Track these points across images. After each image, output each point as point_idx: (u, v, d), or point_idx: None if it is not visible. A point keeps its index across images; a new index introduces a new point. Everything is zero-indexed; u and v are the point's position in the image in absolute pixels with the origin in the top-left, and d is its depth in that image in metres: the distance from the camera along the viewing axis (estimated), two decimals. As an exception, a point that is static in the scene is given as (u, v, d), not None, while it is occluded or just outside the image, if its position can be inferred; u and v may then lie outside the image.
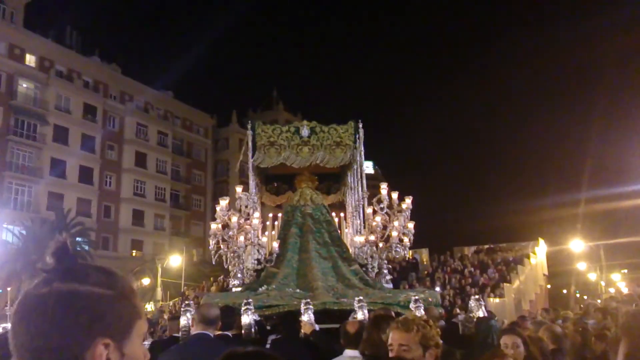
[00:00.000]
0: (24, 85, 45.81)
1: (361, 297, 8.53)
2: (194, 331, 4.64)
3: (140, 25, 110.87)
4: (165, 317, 22.77)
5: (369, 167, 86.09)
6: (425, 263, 28.14)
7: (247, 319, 7.42)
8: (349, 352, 4.36)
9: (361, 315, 7.79)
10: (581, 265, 42.66)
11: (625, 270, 47.33)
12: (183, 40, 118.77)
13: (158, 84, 56.93)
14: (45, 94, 46.63)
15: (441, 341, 3.01)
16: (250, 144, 12.75)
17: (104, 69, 53.34)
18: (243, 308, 7.59)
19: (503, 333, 4.40)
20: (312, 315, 7.71)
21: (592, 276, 45.62)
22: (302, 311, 7.83)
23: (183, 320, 7.11)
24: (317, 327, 7.33)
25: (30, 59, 46.73)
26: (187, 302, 8.89)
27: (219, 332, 5.17)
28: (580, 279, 44.67)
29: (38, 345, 1.04)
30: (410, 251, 30.07)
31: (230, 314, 5.63)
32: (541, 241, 30.66)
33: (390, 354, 2.79)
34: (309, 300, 8.39)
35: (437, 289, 21.02)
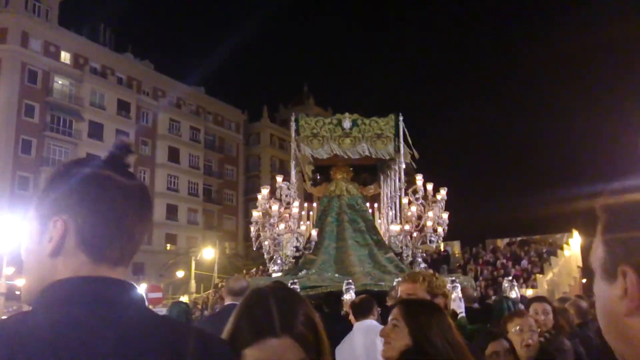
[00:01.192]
0: (60, 82, 46.71)
1: (400, 279, 8.61)
2: (225, 303, 4.85)
3: (171, 21, 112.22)
4: (199, 307, 23.08)
5: (407, 157, 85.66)
6: (457, 255, 28.01)
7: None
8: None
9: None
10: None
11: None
12: (214, 36, 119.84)
13: (190, 79, 57.52)
14: (80, 90, 47.51)
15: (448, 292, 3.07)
16: (293, 134, 13.07)
17: (136, 66, 54.11)
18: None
19: (533, 301, 4.44)
20: (353, 295, 8.00)
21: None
22: (344, 291, 8.24)
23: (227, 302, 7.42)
24: None
25: (65, 56, 47.61)
26: (222, 285, 9.24)
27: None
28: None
29: None
30: (442, 243, 29.96)
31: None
32: (575, 233, 30.14)
33: None
34: (350, 280, 8.76)
35: None
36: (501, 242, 29.53)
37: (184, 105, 57.01)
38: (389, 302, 5.96)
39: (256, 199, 12.48)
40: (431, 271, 3.30)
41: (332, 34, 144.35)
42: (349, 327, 6.01)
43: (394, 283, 8.40)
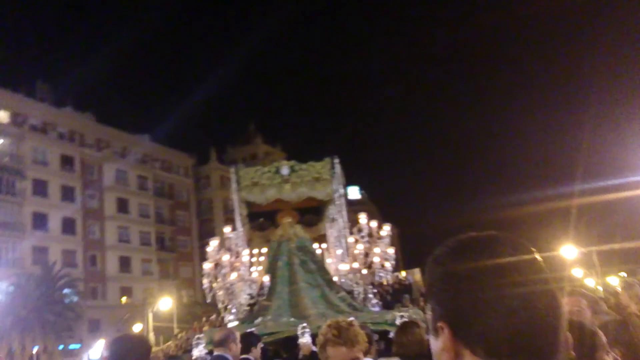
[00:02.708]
0: (-1, 142, 45.63)
1: (353, 318, 8.87)
2: (215, 353, 5.17)
3: (110, 71, 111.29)
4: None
5: (354, 192, 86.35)
6: (418, 283, 28.24)
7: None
8: None
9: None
10: (577, 272, 42.35)
11: (624, 274, 47.00)
12: (156, 83, 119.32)
13: (134, 128, 57.09)
14: (21, 148, 46.47)
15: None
16: (234, 185, 13.49)
17: (77, 119, 53.38)
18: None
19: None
20: (309, 338, 8.36)
21: (590, 282, 45.34)
22: (299, 335, 8.58)
23: (196, 352, 8.11)
24: (314, 348, 7.76)
25: (3, 116, 46.63)
26: (198, 335, 9.56)
27: (244, 356, 5.65)
28: (577, 285, 44.21)
29: None
30: (404, 273, 30.30)
31: (254, 339, 6.11)
32: (527, 243, 30.56)
33: None
34: (305, 324, 9.00)
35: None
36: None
37: (130, 154, 56.35)
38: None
39: (214, 239, 12.70)
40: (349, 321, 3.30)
41: (277, 71, 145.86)
42: None
43: (397, 320, 8.88)
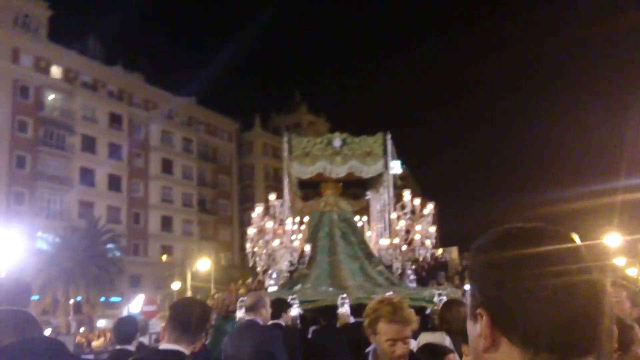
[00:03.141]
0: (51, 97, 46.77)
1: (392, 293, 9.16)
2: (246, 319, 5.45)
3: (161, 32, 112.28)
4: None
5: (396, 166, 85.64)
6: (455, 261, 28.08)
7: (294, 312, 8.49)
8: None
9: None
10: (619, 261, 41.52)
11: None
12: (205, 45, 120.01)
13: (181, 90, 57.59)
14: (71, 104, 47.58)
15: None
16: (286, 154, 13.60)
17: (127, 78, 54.18)
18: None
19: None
20: (348, 308, 8.71)
21: (631, 271, 44.40)
22: (339, 305, 8.86)
23: (240, 314, 8.55)
24: (352, 319, 8.20)
25: (56, 71, 47.69)
26: (242, 298, 9.81)
27: (274, 321, 5.88)
28: (619, 275, 43.43)
29: None
30: (440, 250, 30.14)
31: (284, 305, 6.33)
32: (575, 235, 30.04)
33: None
34: (344, 295, 9.34)
35: (467, 287, 21.01)
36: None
37: (176, 116, 57.12)
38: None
39: (251, 208, 13.18)
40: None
41: (323, 38, 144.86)
42: (343, 338, 6.44)
43: (435, 298, 9.12)
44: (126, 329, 4.87)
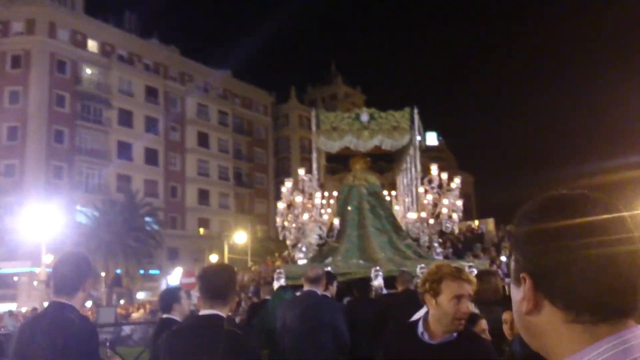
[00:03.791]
0: (88, 71, 47.06)
1: (423, 265, 9.79)
2: (305, 289, 5.70)
3: (196, 6, 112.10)
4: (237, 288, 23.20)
5: (432, 138, 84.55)
6: (491, 233, 27.63)
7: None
8: None
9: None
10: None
11: None
12: (239, 19, 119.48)
13: (217, 63, 57.50)
14: (108, 78, 47.84)
15: None
16: (314, 129, 13.84)
17: (163, 51, 54.21)
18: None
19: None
20: (382, 281, 9.28)
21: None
22: (372, 277, 9.40)
23: (276, 284, 9.04)
24: (385, 291, 8.90)
25: (92, 45, 47.94)
26: (279, 270, 10.32)
27: (322, 293, 6.12)
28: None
29: None
30: (477, 222, 29.62)
31: (330, 278, 6.46)
32: (619, 204, 29.10)
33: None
34: (378, 267, 9.86)
35: (503, 258, 20.67)
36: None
37: (211, 89, 57.05)
38: (400, 287, 6.78)
39: (288, 181, 13.34)
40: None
41: (360, 11, 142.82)
42: (376, 309, 6.75)
43: (418, 269, 9.44)
44: (170, 298, 5.16)
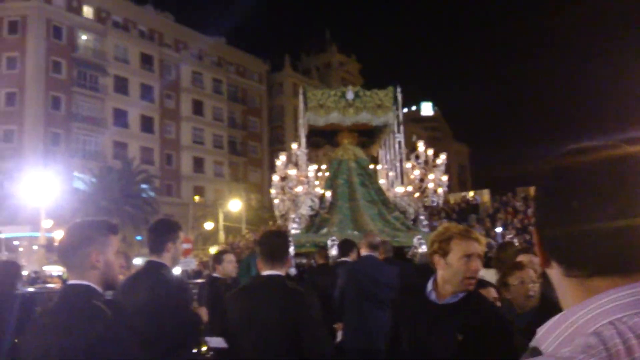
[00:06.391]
0: (84, 38, 46.99)
1: (420, 236, 10.28)
2: (363, 253, 6.08)
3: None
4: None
5: (427, 108, 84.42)
6: (486, 204, 27.85)
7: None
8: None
9: (423, 249, 9.77)
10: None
11: None
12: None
13: (211, 30, 57.31)
14: (104, 45, 47.82)
15: None
16: (301, 105, 14.56)
17: (157, 17, 54.05)
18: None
19: (520, 252, 4.52)
20: (337, 249, 9.63)
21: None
22: (328, 246, 9.87)
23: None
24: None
25: (87, 11, 47.79)
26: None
27: (343, 259, 6.92)
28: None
29: None
30: (472, 192, 30.08)
31: (350, 246, 7.04)
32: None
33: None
34: (334, 237, 10.33)
35: (498, 229, 20.88)
36: (533, 190, 29.01)
37: (206, 57, 56.99)
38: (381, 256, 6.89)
39: (281, 149, 14.47)
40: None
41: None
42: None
43: (415, 240, 9.92)
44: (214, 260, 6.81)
